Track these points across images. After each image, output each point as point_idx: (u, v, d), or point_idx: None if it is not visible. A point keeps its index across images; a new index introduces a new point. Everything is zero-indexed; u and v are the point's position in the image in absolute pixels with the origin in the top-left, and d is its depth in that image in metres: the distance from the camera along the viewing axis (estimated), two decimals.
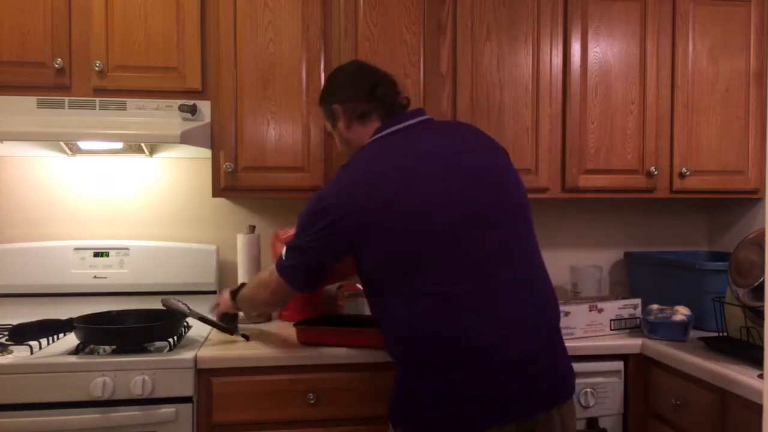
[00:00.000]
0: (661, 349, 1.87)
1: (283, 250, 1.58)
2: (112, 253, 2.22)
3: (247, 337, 1.90)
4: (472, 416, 1.37)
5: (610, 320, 2.03)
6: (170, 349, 1.79)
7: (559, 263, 2.53)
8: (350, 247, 1.47)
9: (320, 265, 1.57)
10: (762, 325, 1.68)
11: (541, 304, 1.47)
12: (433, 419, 1.40)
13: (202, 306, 2.10)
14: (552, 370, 1.45)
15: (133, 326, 1.86)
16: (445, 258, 1.39)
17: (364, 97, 1.60)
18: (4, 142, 1.94)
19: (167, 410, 1.70)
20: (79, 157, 2.30)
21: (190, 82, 2.05)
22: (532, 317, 1.43)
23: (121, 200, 2.34)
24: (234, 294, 1.85)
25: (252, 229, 2.20)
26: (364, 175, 1.47)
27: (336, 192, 1.48)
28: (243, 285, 1.85)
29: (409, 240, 1.40)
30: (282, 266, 1.59)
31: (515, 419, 1.39)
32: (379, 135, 1.56)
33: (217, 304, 1.92)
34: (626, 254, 2.56)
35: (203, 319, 1.91)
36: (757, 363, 1.57)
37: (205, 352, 1.78)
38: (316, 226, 1.48)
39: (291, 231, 1.88)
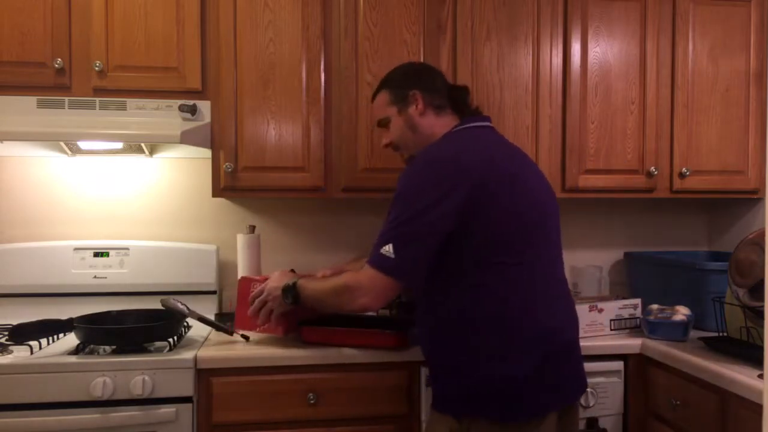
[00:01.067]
0: (661, 349, 1.87)
1: (387, 249, 1.44)
2: (112, 253, 2.22)
3: (247, 338, 1.90)
4: (551, 397, 1.47)
5: (610, 320, 2.03)
6: (170, 349, 1.78)
7: None
8: (464, 213, 1.43)
9: (435, 244, 1.45)
10: (762, 325, 1.68)
11: (572, 300, 1.64)
12: (516, 402, 1.43)
13: (202, 306, 2.10)
14: (581, 360, 1.61)
15: (133, 326, 1.86)
16: (536, 237, 1.51)
17: (444, 93, 1.68)
18: (4, 142, 1.94)
19: (167, 410, 1.70)
20: (79, 157, 2.30)
21: (190, 82, 2.05)
22: (573, 308, 1.60)
23: (121, 200, 2.34)
24: (288, 289, 1.70)
25: (252, 229, 2.20)
26: (481, 145, 1.54)
27: (456, 154, 1.48)
28: (295, 284, 1.69)
29: (520, 212, 1.48)
30: (393, 266, 1.45)
31: (572, 401, 1.56)
32: (468, 125, 1.62)
33: (262, 300, 1.77)
34: (626, 254, 2.56)
35: (202, 320, 1.91)
36: (757, 363, 1.57)
37: (205, 352, 1.78)
38: (432, 195, 1.43)
39: (259, 277, 1.88)
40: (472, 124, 1.63)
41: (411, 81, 1.69)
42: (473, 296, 1.46)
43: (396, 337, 1.82)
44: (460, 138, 1.58)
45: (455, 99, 1.69)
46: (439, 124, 1.65)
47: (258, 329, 1.84)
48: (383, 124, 1.74)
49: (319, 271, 1.97)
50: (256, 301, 1.78)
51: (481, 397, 1.44)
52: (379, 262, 1.47)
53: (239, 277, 2.15)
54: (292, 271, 2.33)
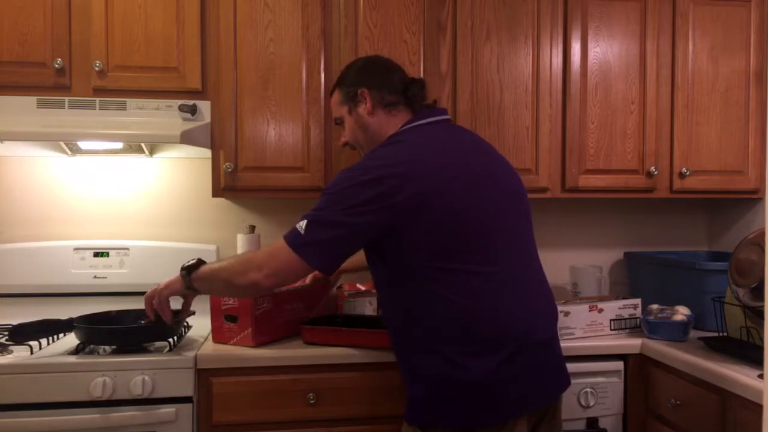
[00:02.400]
0: (661, 349, 1.87)
1: (301, 224, 1.44)
2: (112, 253, 2.22)
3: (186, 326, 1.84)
4: (519, 398, 1.42)
5: (610, 320, 2.03)
6: (170, 349, 1.78)
7: (559, 263, 2.52)
8: (400, 218, 1.40)
9: (353, 241, 1.45)
10: (762, 325, 1.68)
11: (550, 298, 1.58)
12: (479, 406, 1.39)
13: (202, 306, 2.09)
14: (560, 359, 1.57)
15: (133, 326, 1.86)
16: (492, 239, 1.46)
17: (395, 89, 1.63)
18: (4, 142, 1.94)
19: (167, 410, 1.70)
20: (79, 157, 2.30)
21: (190, 82, 2.05)
22: (548, 306, 1.56)
23: (121, 200, 2.34)
24: (190, 269, 1.61)
25: (252, 229, 2.20)
26: (423, 149, 1.48)
27: (393, 162, 1.44)
28: (201, 261, 1.63)
29: (465, 217, 1.43)
30: (302, 242, 1.43)
31: (546, 402, 1.51)
32: (418, 123, 1.58)
33: (162, 289, 1.66)
34: (626, 254, 2.56)
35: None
36: (757, 363, 1.57)
37: (205, 352, 1.78)
38: (363, 197, 1.40)
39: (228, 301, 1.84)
40: (423, 121, 1.58)
41: (361, 79, 1.64)
42: (428, 302, 1.43)
43: None
44: (401, 141, 1.52)
45: (409, 95, 1.63)
46: (390, 123, 1.61)
47: (231, 342, 1.85)
48: (339, 122, 1.73)
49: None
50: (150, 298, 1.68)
51: (441, 404, 1.42)
52: (288, 235, 1.46)
53: None
54: None
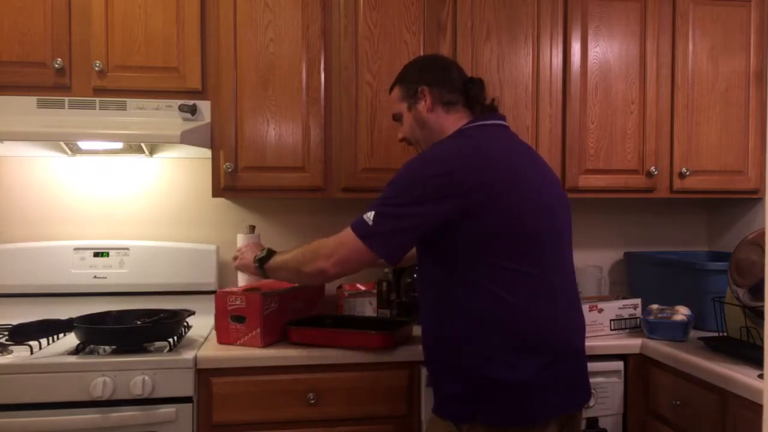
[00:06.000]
0: (661, 349, 1.87)
1: (369, 215, 1.47)
2: (112, 253, 2.22)
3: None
4: (552, 403, 1.45)
5: (610, 320, 2.03)
6: (170, 349, 1.78)
7: None
8: (464, 210, 1.42)
9: (418, 231, 1.47)
10: (762, 325, 1.68)
11: (581, 310, 1.61)
12: (516, 406, 1.41)
13: (202, 306, 2.10)
14: (586, 371, 1.59)
15: (133, 326, 1.85)
16: (543, 244, 1.48)
17: (454, 88, 1.64)
18: (4, 142, 1.94)
19: (167, 410, 1.70)
20: (79, 157, 2.30)
21: (190, 82, 2.05)
22: (581, 318, 1.60)
23: (121, 200, 2.34)
24: (262, 261, 1.72)
25: (252, 229, 2.19)
26: (488, 148, 1.51)
27: (461, 155, 1.46)
28: (271, 252, 1.73)
29: (522, 219, 1.45)
30: (369, 232, 1.47)
31: (573, 410, 1.53)
32: (482, 123, 1.59)
33: (238, 258, 1.83)
34: (626, 254, 2.56)
35: None
36: (757, 363, 1.57)
37: (205, 352, 1.78)
38: (430, 187, 1.43)
39: (235, 289, 1.89)
40: (487, 122, 1.60)
41: (422, 76, 1.66)
42: (476, 299, 1.44)
43: (381, 338, 1.81)
44: (467, 137, 1.55)
45: (470, 95, 1.65)
46: (448, 121, 1.62)
47: (238, 342, 1.84)
48: (397, 118, 1.74)
49: None
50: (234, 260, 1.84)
51: (481, 401, 1.43)
52: (355, 225, 1.49)
53: (238, 277, 2.15)
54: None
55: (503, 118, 1.65)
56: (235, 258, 1.84)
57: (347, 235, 1.51)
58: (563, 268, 1.54)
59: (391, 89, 1.75)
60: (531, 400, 1.42)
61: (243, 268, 1.82)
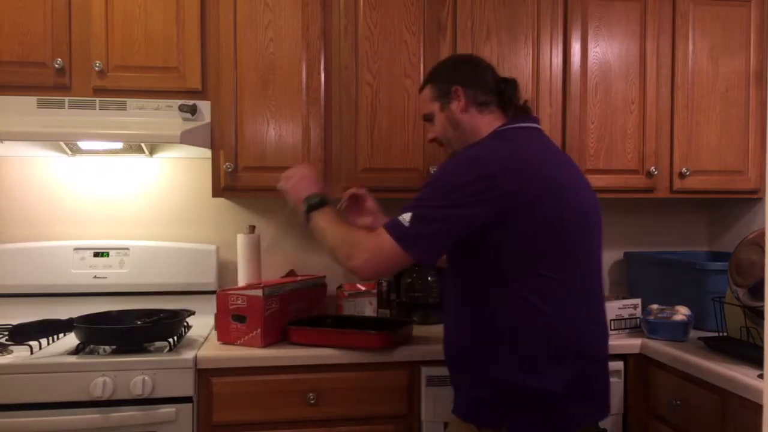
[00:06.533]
0: (661, 349, 1.87)
1: (405, 217, 1.42)
2: (112, 253, 2.22)
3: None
4: (580, 413, 1.44)
5: (610, 320, 2.03)
6: (170, 349, 1.78)
7: None
8: (499, 216, 1.39)
9: (456, 234, 1.43)
10: (762, 325, 1.68)
11: (606, 317, 1.60)
12: (546, 415, 1.40)
13: (202, 306, 2.10)
14: (609, 377, 1.58)
15: (133, 326, 1.85)
16: (578, 251, 1.47)
17: (488, 89, 1.61)
18: (4, 142, 1.94)
19: (167, 410, 1.70)
20: (79, 157, 2.30)
21: (190, 82, 2.05)
22: (606, 325, 1.59)
23: (121, 200, 2.34)
24: (311, 208, 1.60)
25: (252, 229, 2.20)
26: (527, 150, 1.49)
27: (500, 156, 1.44)
28: (324, 201, 1.60)
29: (558, 224, 1.42)
30: (406, 234, 1.41)
31: (599, 419, 1.52)
32: (518, 125, 1.56)
33: (290, 181, 1.68)
34: (626, 254, 2.56)
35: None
36: (757, 363, 1.57)
37: (205, 352, 1.78)
38: (469, 188, 1.39)
39: (236, 288, 1.86)
40: (518, 125, 1.57)
41: (455, 76, 1.63)
42: (512, 306, 1.41)
43: (381, 338, 1.81)
44: (504, 139, 1.51)
45: (504, 96, 1.62)
46: (482, 121, 1.59)
47: (238, 342, 1.84)
48: (428, 118, 1.70)
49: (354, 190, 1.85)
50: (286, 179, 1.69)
51: (511, 408, 1.41)
52: (391, 227, 1.43)
53: (239, 277, 2.16)
54: (292, 271, 2.33)
55: (537, 120, 1.61)
56: (287, 179, 1.70)
57: (382, 237, 1.43)
58: (596, 273, 1.53)
59: (421, 89, 1.72)
60: (564, 410, 1.41)
61: (290, 196, 1.68)
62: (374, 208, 1.80)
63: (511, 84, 1.63)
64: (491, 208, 1.39)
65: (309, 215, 1.60)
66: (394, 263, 1.45)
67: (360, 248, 1.47)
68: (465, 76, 1.62)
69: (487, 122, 1.59)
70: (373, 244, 1.45)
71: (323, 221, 1.58)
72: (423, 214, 1.42)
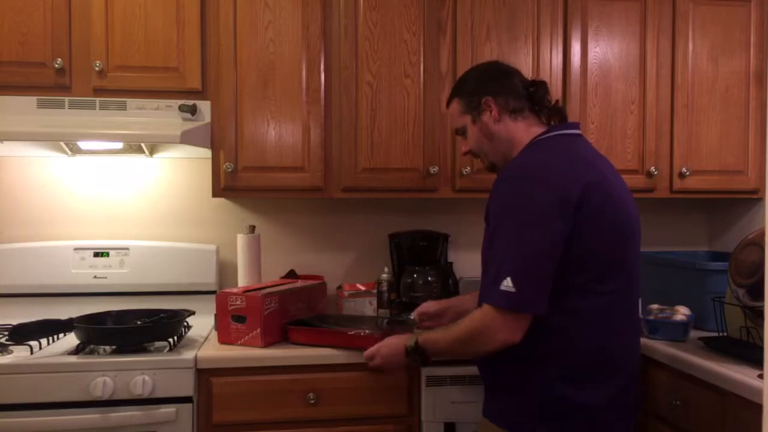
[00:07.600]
0: (661, 349, 1.86)
1: (506, 282, 1.33)
2: (112, 253, 2.22)
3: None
4: (615, 427, 1.43)
5: None
6: (170, 349, 1.78)
7: None
8: (571, 229, 1.35)
9: (555, 257, 1.35)
10: (762, 325, 1.68)
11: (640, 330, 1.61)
12: (585, 429, 1.40)
13: (202, 306, 2.10)
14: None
15: (133, 326, 1.86)
16: (625, 264, 1.44)
17: (519, 94, 1.57)
18: (4, 142, 1.94)
19: (167, 410, 1.70)
20: (79, 157, 2.30)
21: (190, 82, 2.05)
22: (639, 338, 1.58)
23: (121, 200, 2.34)
24: (419, 355, 1.58)
25: (252, 229, 2.20)
26: (577, 159, 1.44)
27: (552, 170, 1.38)
28: (418, 343, 1.56)
29: (611, 236, 1.40)
30: (523, 301, 1.34)
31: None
32: (562, 132, 1.53)
33: (376, 356, 1.69)
34: None
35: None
36: (757, 363, 1.57)
37: (205, 352, 1.78)
38: (543, 207, 1.34)
39: (235, 289, 1.86)
40: (561, 132, 1.52)
41: (483, 86, 1.59)
42: (560, 318, 1.38)
43: (381, 338, 1.79)
44: (550, 149, 1.47)
45: (535, 99, 1.58)
46: (517, 129, 1.55)
47: (239, 342, 1.84)
48: (460, 132, 1.66)
49: (419, 307, 1.90)
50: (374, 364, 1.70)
51: (547, 419, 1.40)
52: (501, 300, 1.35)
53: (239, 277, 2.16)
54: (292, 271, 2.33)
55: (577, 126, 1.57)
56: (369, 358, 1.70)
57: (498, 312, 1.35)
58: (637, 289, 1.50)
59: (449, 103, 1.69)
60: (599, 424, 1.40)
61: (390, 365, 1.68)
62: (439, 309, 1.86)
63: (540, 86, 1.59)
64: (569, 220, 1.35)
65: (426, 359, 1.59)
66: (525, 324, 1.37)
67: (479, 343, 1.42)
68: (494, 85, 1.58)
69: (522, 129, 1.55)
70: (497, 323, 1.37)
71: (437, 349, 1.55)
72: (519, 269, 1.34)
